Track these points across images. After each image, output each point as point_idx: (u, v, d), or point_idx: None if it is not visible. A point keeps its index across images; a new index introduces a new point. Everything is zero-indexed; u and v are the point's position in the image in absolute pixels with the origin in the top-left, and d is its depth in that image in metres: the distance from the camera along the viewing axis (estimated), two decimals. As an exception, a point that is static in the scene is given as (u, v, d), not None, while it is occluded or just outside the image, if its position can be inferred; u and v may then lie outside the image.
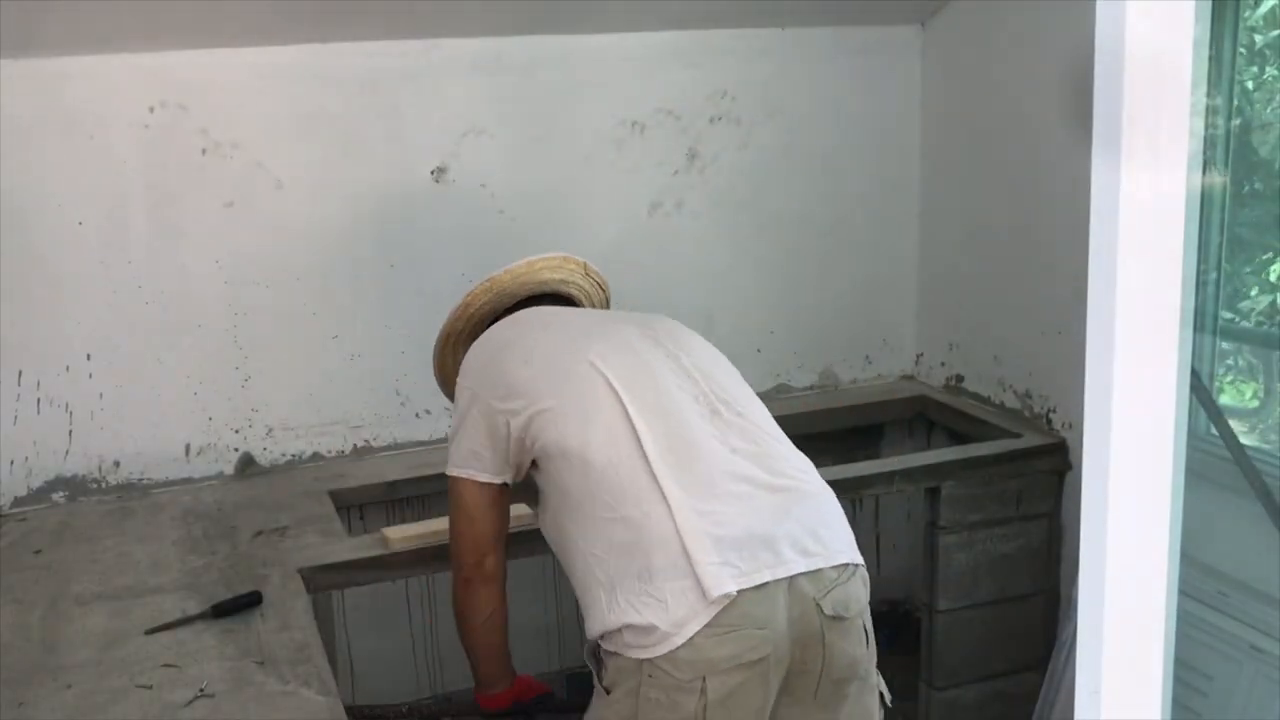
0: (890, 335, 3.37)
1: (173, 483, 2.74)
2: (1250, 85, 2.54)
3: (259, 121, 2.68)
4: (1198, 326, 2.44)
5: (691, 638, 1.68)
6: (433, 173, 2.84)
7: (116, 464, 2.70)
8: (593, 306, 2.33)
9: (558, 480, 1.89)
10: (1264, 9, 2.50)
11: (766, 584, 1.72)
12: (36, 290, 2.58)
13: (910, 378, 3.40)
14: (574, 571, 1.87)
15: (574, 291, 2.28)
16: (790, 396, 3.27)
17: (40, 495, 2.65)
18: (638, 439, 1.83)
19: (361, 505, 2.81)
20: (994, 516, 2.81)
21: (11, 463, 2.62)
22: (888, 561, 3.43)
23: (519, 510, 2.17)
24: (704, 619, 1.69)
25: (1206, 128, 2.09)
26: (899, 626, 3.36)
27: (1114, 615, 0.79)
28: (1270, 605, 2.32)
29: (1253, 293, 2.57)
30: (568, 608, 2.98)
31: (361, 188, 2.79)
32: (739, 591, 1.70)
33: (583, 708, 1.89)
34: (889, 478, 2.75)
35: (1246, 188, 2.54)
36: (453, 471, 2.01)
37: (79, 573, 2.29)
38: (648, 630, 1.70)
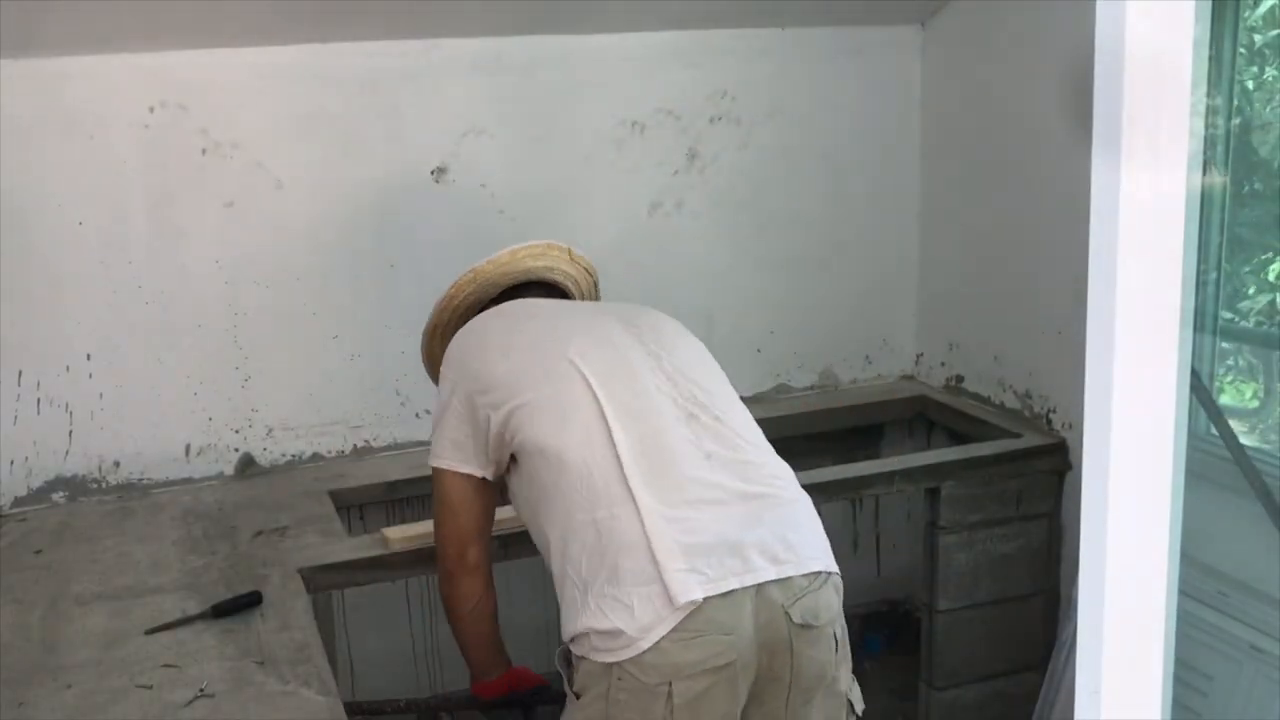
0: (890, 335, 3.37)
1: (173, 483, 2.74)
2: (1250, 85, 2.54)
3: (259, 121, 2.68)
4: (1198, 326, 2.44)
5: (657, 642, 1.69)
6: (433, 173, 2.84)
7: (116, 464, 2.70)
8: (580, 292, 2.31)
9: (536, 476, 1.89)
10: (1264, 9, 2.50)
11: (734, 591, 1.72)
12: (36, 290, 2.58)
13: (910, 378, 3.39)
14: (552, 570, 1.88)
15: (560, 278, 2.27)
16: (790, 396, 3.27)
17: (40, 495, 2.65)
18: (612, 442, 1.83)
19: (361, 505, 2.81)
20: (994, 516, 2.81)
21: (11, 463, 2.62)
22: (888, 561, 3.42)
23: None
24: (670, 624, 1.69)
25: (1206, 128, 2.09)
26: (899, 626, 3.36)
27: (1114, 615, 0.79)
28: (1270, 605, 2.32)
29: (1252, 292, 2.57)
30: (568, 608, 2.98)
31: (361, 188, 2.79)
32: (705, 598, 1.70)
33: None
34: (889, 478, 2.74)
35: (1246, 188, 2.54)
36: (435, 462, 2.02)
37: (79, 573, 2.29)
38: (614, 634, 1.71)
